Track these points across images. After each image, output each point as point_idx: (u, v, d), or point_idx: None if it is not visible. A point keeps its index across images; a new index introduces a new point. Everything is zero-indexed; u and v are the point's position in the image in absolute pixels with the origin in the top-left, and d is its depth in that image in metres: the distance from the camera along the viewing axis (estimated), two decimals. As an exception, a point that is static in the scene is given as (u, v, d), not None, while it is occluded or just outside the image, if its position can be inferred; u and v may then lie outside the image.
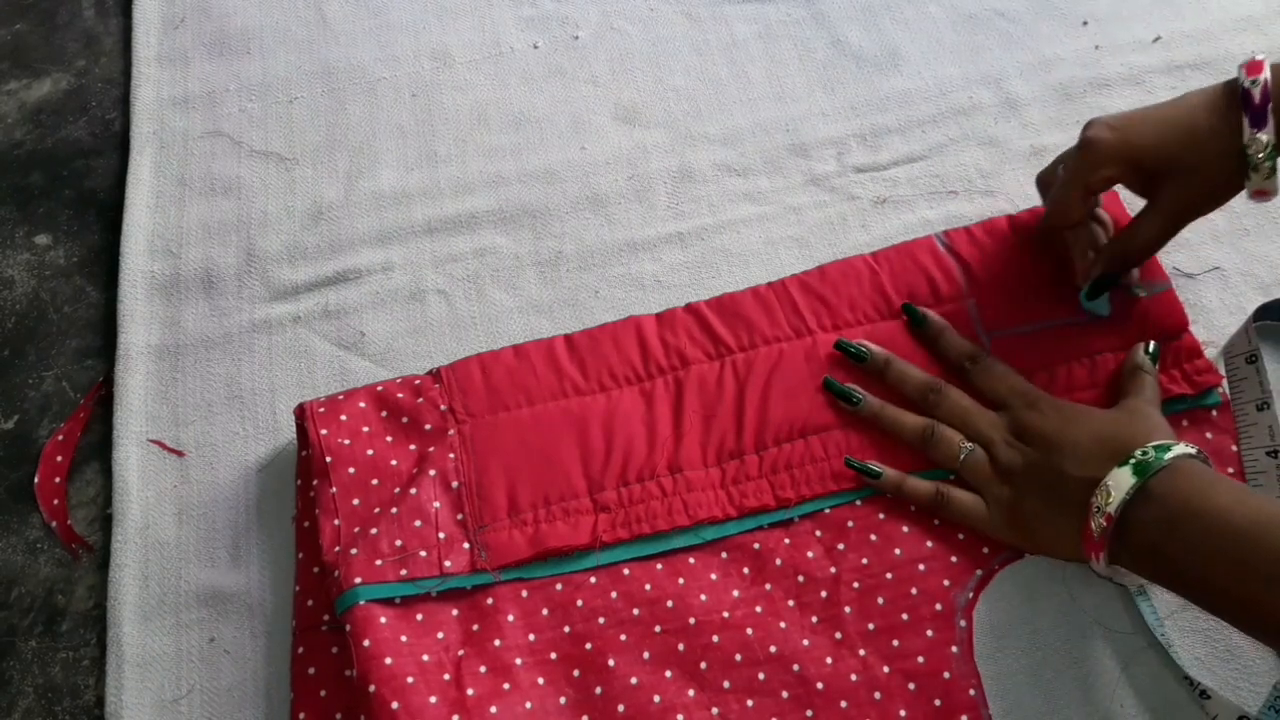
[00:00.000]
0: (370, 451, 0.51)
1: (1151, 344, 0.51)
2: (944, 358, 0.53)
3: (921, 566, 0.48)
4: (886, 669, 0.46)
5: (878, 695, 0.45)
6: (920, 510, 0.49)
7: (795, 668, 0.46)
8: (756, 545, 0.49)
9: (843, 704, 0.45)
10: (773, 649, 0.46)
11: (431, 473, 0.50)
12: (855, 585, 0.48)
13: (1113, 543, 0.43)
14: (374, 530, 0.48)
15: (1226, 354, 0.53)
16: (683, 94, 0.65)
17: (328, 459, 0.50)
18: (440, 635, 0.47)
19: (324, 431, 0.51)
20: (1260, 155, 0.45)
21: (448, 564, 0.48)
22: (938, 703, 0.45)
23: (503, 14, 0.69)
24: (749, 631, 0.47)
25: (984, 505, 0.48)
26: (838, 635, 0.47)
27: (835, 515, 0.50)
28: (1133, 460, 0.43)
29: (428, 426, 0.52)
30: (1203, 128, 0.46)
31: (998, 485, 0.48)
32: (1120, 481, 0.42)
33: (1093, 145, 0.48)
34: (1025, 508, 0.46)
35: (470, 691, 0.45)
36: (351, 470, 0.50)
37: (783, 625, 0.47)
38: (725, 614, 0.47)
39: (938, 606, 0.47)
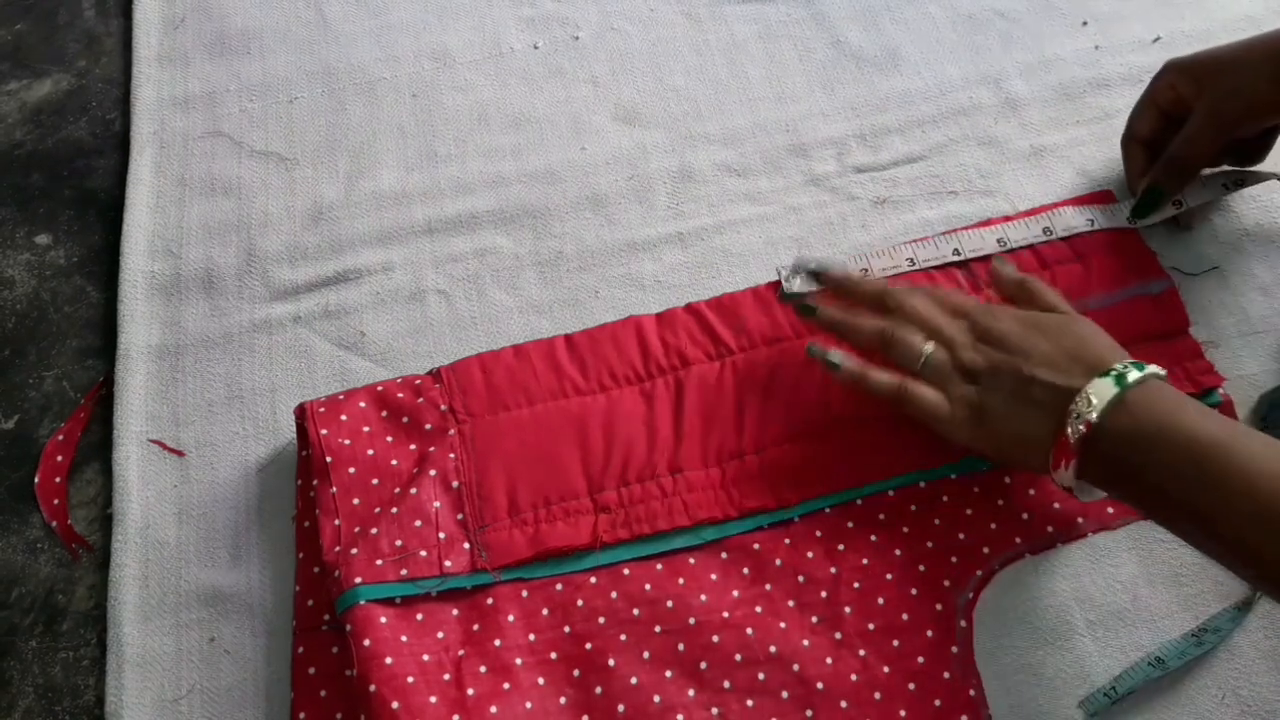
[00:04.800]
0: (370, 451, 0.51)
1: (1006, 263, 0.52)
2: (878, 301, 0.51)
3: (921, 567, 0.48)
4: (886, 669, 0.46)
5: (878, 695, 0.45)
6: (882, 404, 0.49)
7: (795, 668, 0.46)
8: (756, 545, 0.49)
9: (843, 704, 0.45)
10: (773, 649, 0.46)
11: (432, 473, 0.50)
12: (855, 585, 0.48)
13: (1085, 451, 0.43)
14: (374, 530, 0.48)
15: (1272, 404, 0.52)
16: (683, 94, 0.65)
17: (328, 459, 0.50)
18: (440, 635, 0.47)
19: (324, 431, 0.51)
20: None
21: (448, 564, 0.48)
22: (938, 703, 0.45)
23: (503, 14, 0.69)
24: (749, 631, 0.47)
25: (947, 403, 0.47)
26: (838, 635, 0.47)
27: (835, 515, 0.50)
28: (1113, 372, 0.43)
29: (428, 426, 0.52)
30: (1256, 40, 0.52)
31: (962, 385, 0.47)
32: (1102, 391, 0.43)
33: (1166, 63, 0.55)
34: (990, 408, 0.46)
35: (470, 691, 0.45)
36: (352, 470, 0.50)
37: (783, 625, 0.47)
38: (725, 614, 0.47)
39: (938, 606, 0.47)
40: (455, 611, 0.47)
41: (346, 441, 0.51)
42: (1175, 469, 0.41)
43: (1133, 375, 0.43)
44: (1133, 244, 0.56)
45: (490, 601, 0.48)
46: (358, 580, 0.46)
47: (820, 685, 0.46)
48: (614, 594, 0.48)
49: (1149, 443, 0.42)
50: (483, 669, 0.46)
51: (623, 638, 0.47)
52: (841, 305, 0.52)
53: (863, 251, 0.57)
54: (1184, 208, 0.55)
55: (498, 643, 0.47)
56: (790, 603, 0.48)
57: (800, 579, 0.48)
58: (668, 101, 0.65)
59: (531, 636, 0.47)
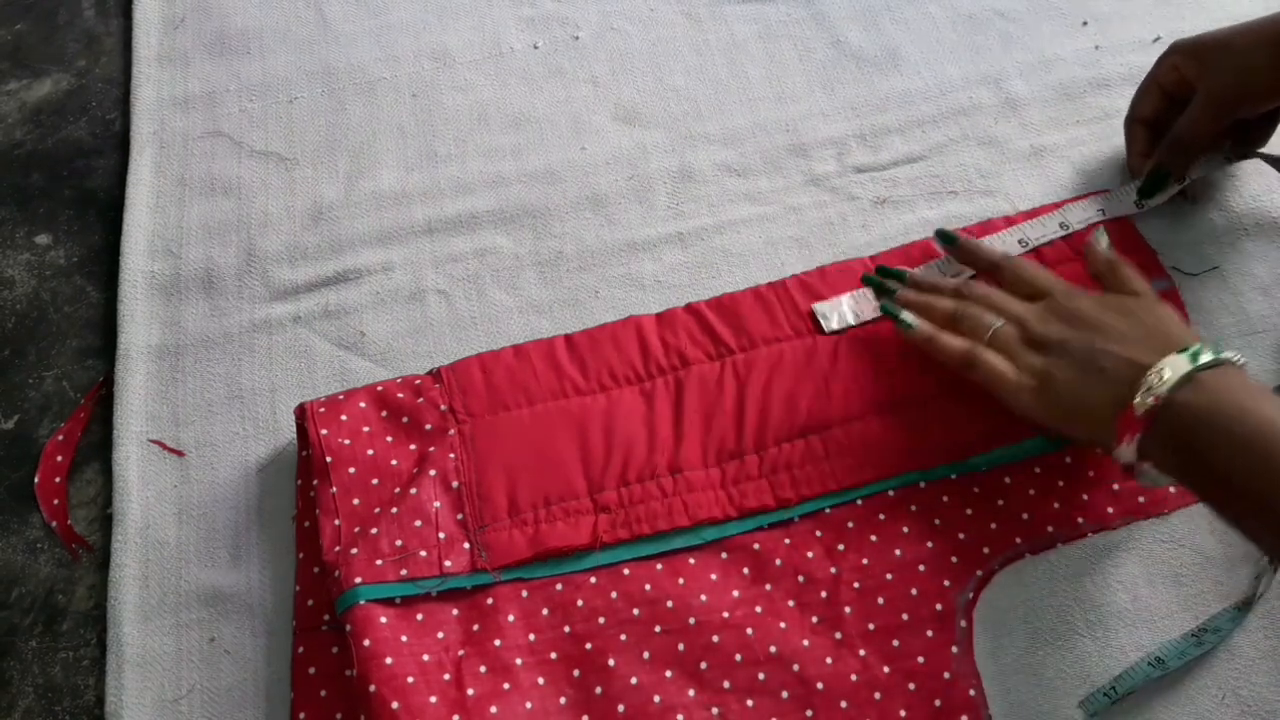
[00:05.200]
0: (370, 451, 0.51)
1: (1103, 238, 0.52)
2: (976, 266, 0.54)
3: (921, 567, 0.48)
4: (886, 669, 0.46)
5: (878, 695, 0.45)
6: (949, 368, 0.50)
7: (795, 668, 0.46)
8: (756, 545, 0.49)
9: (843, 704, 0.45)
10: (773, 649, 0.46)
11: (432, 473, 0.50)
12: (855, 585, 0.48)
13: (1151, 426, 0.43)
14: (374, 530, 0.48)
15: None
16: (683, 94, 0.65)
17: (328, 459, 0.50)
18: (440, 635, 0.47)
19: (324, 431, 0.51)
20: None
21: (448, 564, 0.48)
22: (938, 703, 0.45)
23: (503, 14, 0.69)
24: (749, 631, 0.47)
25: (1013, 369, 0.47)
26: (838, 635, 0.47)
27: (835, 515, 0.50)
28: (1189, 351, 0.43)
29: (428, 426, 0.52)
30: (1259, 23, 0.52)
31: (1029, 354, 0.47)
32: (1177, 366, 0.43)
33: (1170, 45, 0.56)
34: (1056, 376, 0.46)
35: (470, 691, 0.45)
36: (352, 470, 0.50)
37: (783, 625, 0.47)
38: (725, 614, 0.47)
39: (938, 606, 0.47)
40: (455, 611, 0.47)
41: (346, 441, 0.51)
42: (1240, 451, 0.41)
43: (1207, 356, 0.43)
44: (1133, 243, 0.56)
45: (490, 601, 0.48)
46: (358, 580, 0.46)
47: (820, 685, 0.46)
48: (614, 594, 0.48)
49: (1218, 423, 0.41)
50: (483, 669, 0.46)
51: (623, 638, 0.47)
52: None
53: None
54: (1188, 181, 0.56)
55: (498, 643, 0.47)
56: (790, 603, 0.48)
57: (800, 579, 0.48)
58: (668, 101, 0.65)
59: (531, 636, 0.47)
